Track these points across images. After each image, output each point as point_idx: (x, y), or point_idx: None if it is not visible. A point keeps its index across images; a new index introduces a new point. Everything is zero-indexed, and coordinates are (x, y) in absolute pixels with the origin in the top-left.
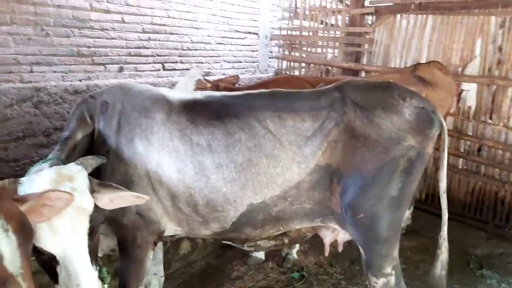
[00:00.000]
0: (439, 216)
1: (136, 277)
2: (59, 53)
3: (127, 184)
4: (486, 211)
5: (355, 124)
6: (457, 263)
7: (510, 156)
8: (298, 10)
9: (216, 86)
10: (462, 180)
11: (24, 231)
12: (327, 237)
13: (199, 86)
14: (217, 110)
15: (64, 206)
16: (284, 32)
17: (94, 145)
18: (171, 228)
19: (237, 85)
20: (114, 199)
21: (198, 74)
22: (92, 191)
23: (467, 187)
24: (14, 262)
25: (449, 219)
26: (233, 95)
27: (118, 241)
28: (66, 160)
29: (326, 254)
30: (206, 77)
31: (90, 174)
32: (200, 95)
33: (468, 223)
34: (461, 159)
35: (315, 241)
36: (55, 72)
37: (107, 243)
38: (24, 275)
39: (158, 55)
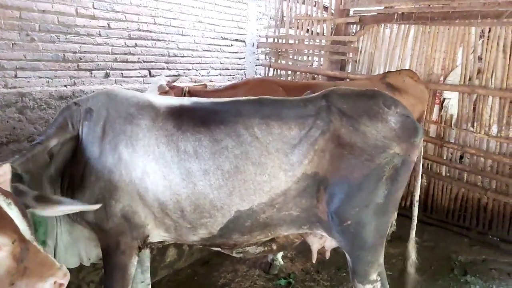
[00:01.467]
0: (425, 223)
1: (121, 285)
2: (44, 58)
3: (111, 190)
4: (469, 218)
5: (341, 133)
6: (441, 269)
7: (492, 163)
8: (284, 18)
9: (181, 90)
10: (445, 187)
11: (19, 204)
12: (315, 244)
13: (160, 90)
14: (204, 117)
15: (8, 179)
16: (270, 40)
17: (77, 152)
18: (158, 234)
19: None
20: (57, 211)
21: (162, 80)
22: (27, 207)
23: (450, 194)
24: (25, 231)
25: (432, 225)
26: (220, 101)
27: (101, 247)
28: (21, 165)
29: (314, 261)
30: (173, 83)
31: (71, 181)
32: (187, 101)
33: (452, 229)
34: (444, 166)
35: (302, 248)
36: (40, 77)
37: (96, 252)
38: (36, 240)
39: (144, 61)
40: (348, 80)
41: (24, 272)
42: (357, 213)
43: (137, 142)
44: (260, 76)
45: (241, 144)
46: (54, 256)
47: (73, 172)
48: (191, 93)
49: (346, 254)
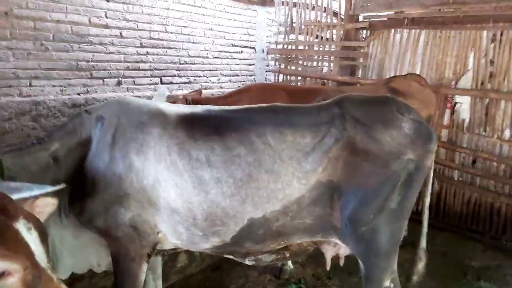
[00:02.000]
0: (437, 228)
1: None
2: (58, 67)
3: (121, 198)
4: (482, 223)
5: (355, 140)
6: (454, 274)
7: (505, 168)
8: (294, 24)
9: (185, 99)
10: (458, 191)
11: (42, 229)
12: (329, 252)
13: (170, 100)
14: (216, 125)
15: (51, 210)
16: (280, 46)
17: (87, 159)
18: (170, 242)
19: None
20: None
21: (167, 91)
22: None
23: (463, 199)
24: (41, 257)
25: (445, 230)
26: (232, 109)
27: (111, 254)
28: (12, 157)
29: (328, 268)
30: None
31: (80, 188)
32: (199, 109)
33: (464, 234)
34: (456, 171)
35: (313, 253)
36: (54, 86)
37: (108, 260)
38: (52, 268)
39: (156, 69)
40: (356, 85)
41: None
42: (371, 219)
43: (148, 150)
44: (263, 82)
45: (254, 152)
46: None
47: (82, 179)
48: (194, 101)
49: (360, 261)
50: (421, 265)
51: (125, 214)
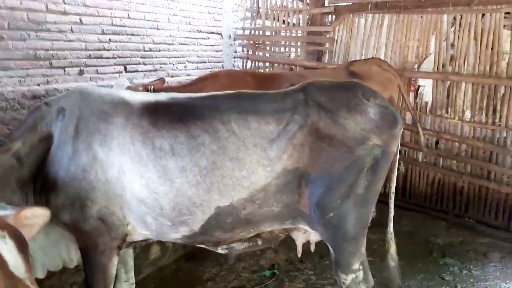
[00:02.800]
0: (403, 208)
1: (103, 285)
2: (15, 57)
3: (87, 191)
4: (446, 202)
5: (319, 126)
6: (420, 252)
7: (466, 148)
8: (260, 9)
9: (146, 89)
10: (422, 172)
11: (19, 238)
12: (299, 239)
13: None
14: (180, 113)
15: (43, 222)
16: (247, 32)
17: (50, 153)
18: (140, 233)
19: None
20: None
21: (126, 82)
22: None
23: (427, 179)
24: (18, 267)
25: (410, 210)
26: (197, 96)
27: (80, 248)
28: None
29: (299, 255)
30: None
31: (44, 183)
32: (163, 97)
33: (429, 213)
34: (421, 153)
35: (285, 238)
36: (11, 77)
37: (79, 254)
38: (30, 278)
39: (119, 57)
40: (317, 69)
41: None
42: (338, 205)
43: (112, 140)
44: (226, 69)
45: (218, 139)
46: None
47: (46, 174)
48: (156, 91)
49: (329, 246)
50: (393, 249)
51: (92, 207)
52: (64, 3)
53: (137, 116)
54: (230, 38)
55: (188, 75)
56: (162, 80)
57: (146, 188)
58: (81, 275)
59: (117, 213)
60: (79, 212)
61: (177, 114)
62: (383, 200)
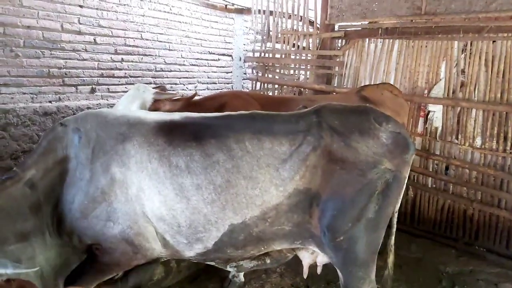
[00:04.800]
0: (412, 234)
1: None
2: (29, 74)
3: (108, 212)
4: (455, 229)
5: (332, 148)
6: (429, 280)
7: (477, 174)
8: (270, 33)
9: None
10: (432, 198)
11: None
12: (306, 259)
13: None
14: (195, 131)
15: None
16: (257, 54)
17: (67, 175)
18: (157, 251)
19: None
20: None
21: (150, 89)
22: None
23: (437, 205)
24: None
25: (419, 236)
26: (211, 116)
27: (100, 260)
28: None
29: (305, 276)
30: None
31: (61, 207)
32: (177, 116)
33: (439, 240)
34: (430, 178)
35: (291, 262)
36: (24, 93)
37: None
38: None
39: (131, 76)
40: (328, 94)
41: None
42: (349, 228)
43: (129, 159)
44: (233, 90)
45: (232, 158)
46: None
47: (64, 197)
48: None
49: (338, 270)
50: (390, 260)
51: (114, 227)
52: (79, 23)
53: (153, 134)
54: (240, 60)
55: (199, 95)
56: (162, 87)
57: (165, 205)
58: None
59: (142, 233)
60: (101, 234)
61: (192, 132)
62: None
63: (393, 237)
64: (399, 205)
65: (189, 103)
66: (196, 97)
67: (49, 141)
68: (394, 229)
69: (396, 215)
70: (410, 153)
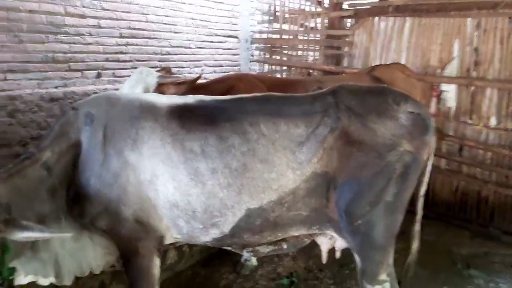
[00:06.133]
0: (425, 217)
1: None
2: (34, 59)
3: (120, 195)
4: (469, 211)
5: (350, 130)
6: (443, 262)
7: (491, 155)
8: (277, 13)
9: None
10: (445, 180)
11: None
12: (325, 244)
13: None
14: (209, 115)
15: None
16: (264, 36)
17: (80, 159)
18: (171, 236)
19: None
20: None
21: (153, 73)
22: None
23: (450, 187)
24: None
25: (433, 219)
26: (225, 99)
27: (120, 252)
28: (3, 184)
29: (324, 262)
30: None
31: (76, 190)
32: (190, 99)
33: (452, 223)
34: (443, 160)
35: (304, 246)
36: (30, 79)
37: (106, 260)
38: None
39: (137, 60)
40: (338, 75)
41: None
42: (367, 212)
43: (142, 145)
44: (240, 72)
45: (247, 141)
46: (55, 268)
47: (78, 181)
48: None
49: (355, 254)
50: (415, 246)
51: (126, 210)
52: (83, 6)
53: (166, 119)
54: (247, 41)
55: (205, 78)
56: (167, 69)
57: (179, 190)
58: (97, 279)
59: (152, 216)
60: (114, 217)
61: (206, 116)
62: (407, 210)
63: (418, 224)
64: (425, 188)
65: (195, 87)
66: (203, 80)
67: (61, 125)
68: (420, 216)
69: (422, 199)
70: (430, 134)
